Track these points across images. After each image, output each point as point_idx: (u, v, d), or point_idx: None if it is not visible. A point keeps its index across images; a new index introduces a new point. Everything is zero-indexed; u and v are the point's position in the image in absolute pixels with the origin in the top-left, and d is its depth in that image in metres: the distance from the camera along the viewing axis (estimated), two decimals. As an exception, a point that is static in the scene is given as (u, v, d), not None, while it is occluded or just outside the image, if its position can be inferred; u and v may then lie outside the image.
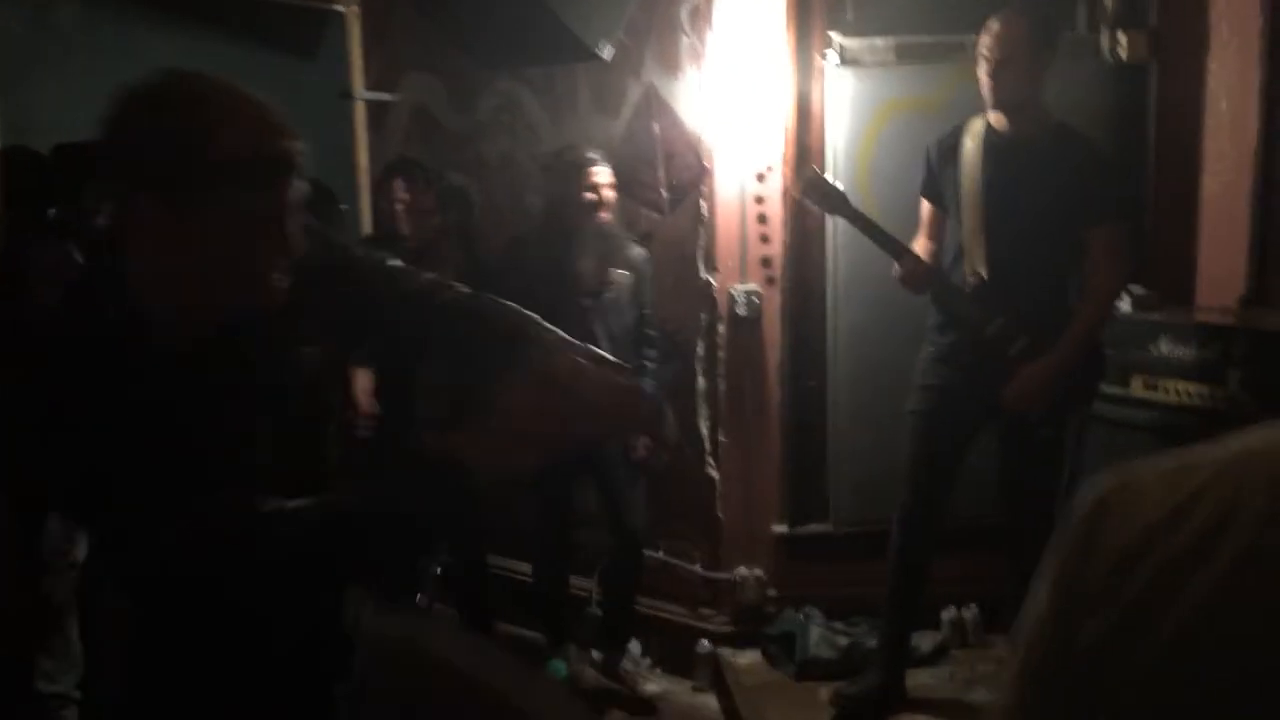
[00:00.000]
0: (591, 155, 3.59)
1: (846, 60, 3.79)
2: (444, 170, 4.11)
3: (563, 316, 1.59)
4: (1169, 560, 0.69)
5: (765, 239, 3.82)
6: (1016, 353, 3.03)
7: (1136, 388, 3.40)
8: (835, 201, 3.14)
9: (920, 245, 3.23)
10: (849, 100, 3.79)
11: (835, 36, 3.79)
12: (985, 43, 3.02)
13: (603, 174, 3.57)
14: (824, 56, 3.79)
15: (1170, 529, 0.70)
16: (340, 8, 4.43)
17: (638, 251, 3.69)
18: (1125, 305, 3.40)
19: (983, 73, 3.03)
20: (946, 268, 3.18)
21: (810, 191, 3.14)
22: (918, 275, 3.10)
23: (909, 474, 3.21)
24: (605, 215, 3.59)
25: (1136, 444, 3.28)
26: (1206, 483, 0.71)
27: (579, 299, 3.50)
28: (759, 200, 3.80)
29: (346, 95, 4.40)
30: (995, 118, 3.09)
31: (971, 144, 3.09)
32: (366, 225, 4.36)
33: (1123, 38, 3.72)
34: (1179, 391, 3.30)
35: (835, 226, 3.78)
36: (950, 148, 3.15)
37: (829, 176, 3.32)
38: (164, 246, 1.24)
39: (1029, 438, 3.09)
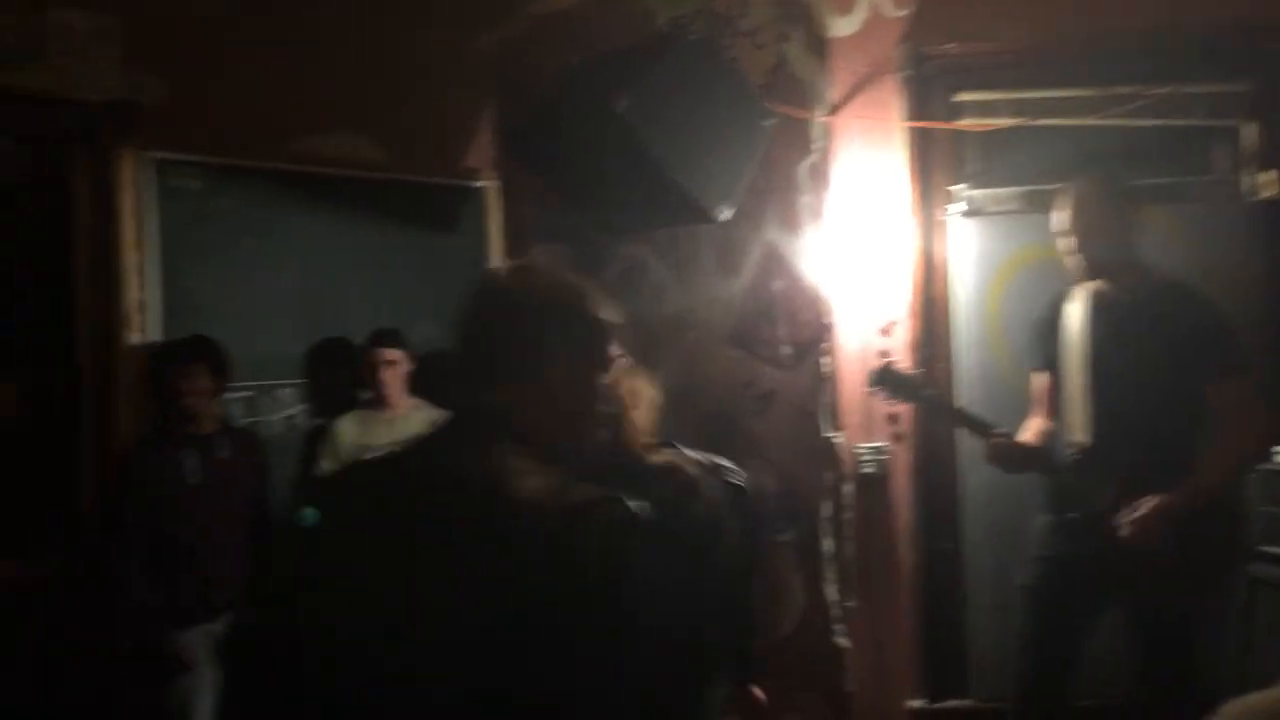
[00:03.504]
0: None
1: (971, 211, 3.71)
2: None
3: None
4: None
5: (892, 394, 3.69)
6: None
7: (1313, 550, 3.06)
8: (908, 391, 3.00)
9: (1035, 421, 3.04)
10: (974, 252, 3.70)
11: (958, 188, 3.73)
12: (1062, 218, 2.88)
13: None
14: (947, 208, 3.72)
15: None
16: (481, 183, 4.66)
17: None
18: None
19: (1065, 247, 2.88)
20: (1059, 440, 2.97)
21: (882, 383, 3.00)
22: (1006, 454, 2.90)
23: (1021, 653, 2.94)
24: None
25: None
26: None
27: None
28: (883, 355, 3.70)
29: (480, 267, 4.58)
30: (1097, 282, 2.91)
31: (1076, 309, 2.92)
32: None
33: (1263, 177, 3.53)
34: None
35: (969, 377, 3.64)
36: (1055, 315, 2.99)
37: (903, 367, 3.15)
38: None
39: (1159, 617, 2.77)
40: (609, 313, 1.49)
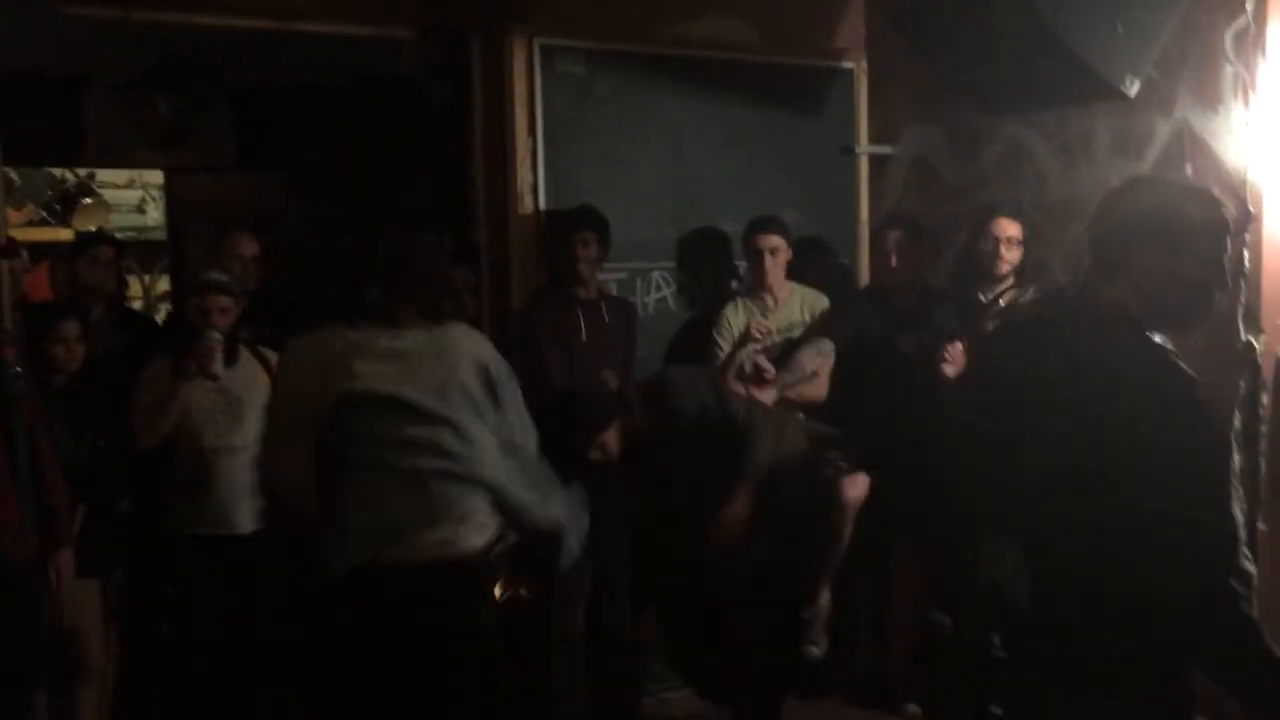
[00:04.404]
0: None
1: None
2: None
3: None
4: None
5: (1327, 294, 3.23)
6: None
7: None
8: None
9: None
10: None
11: None
12: None
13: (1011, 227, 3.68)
14: None
15: None
16: (849, 65, 4.49)
17: None
18: None
19: None
20: None
21: None
22: None
23: None
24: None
25: None
26: None
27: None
28: (1318, 249, 3.24)
29: (848, 151, 4.44)
30: None
31: None
32: (865, 277, 4.34)
33: None
34: None
35: None
36: None
37: None
38: None
39: None
40: (1216, 217, 1.83)
